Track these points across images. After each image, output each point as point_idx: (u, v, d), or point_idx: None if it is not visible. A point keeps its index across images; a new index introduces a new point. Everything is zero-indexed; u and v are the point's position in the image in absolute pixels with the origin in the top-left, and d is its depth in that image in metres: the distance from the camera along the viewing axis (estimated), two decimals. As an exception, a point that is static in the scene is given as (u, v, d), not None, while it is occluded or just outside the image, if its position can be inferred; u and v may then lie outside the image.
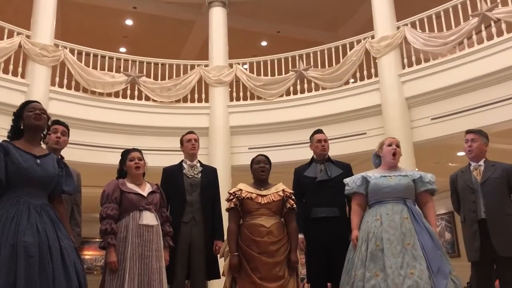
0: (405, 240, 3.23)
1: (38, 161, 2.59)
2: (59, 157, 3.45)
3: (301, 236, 3.89)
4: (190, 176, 4.13)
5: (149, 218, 3.47)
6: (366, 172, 3.73)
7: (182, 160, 4.28)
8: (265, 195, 3.60)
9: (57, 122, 3.61)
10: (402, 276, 3.08)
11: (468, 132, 4.10)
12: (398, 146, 3.67)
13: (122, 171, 3.69)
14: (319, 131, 4.27)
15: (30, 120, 2.66)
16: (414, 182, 3.53)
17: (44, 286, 2.32)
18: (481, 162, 3.98)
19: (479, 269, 3.83)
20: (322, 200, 3.94)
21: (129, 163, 3.61)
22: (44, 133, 2.79)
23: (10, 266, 2.28)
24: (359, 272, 3.30)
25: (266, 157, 3.82)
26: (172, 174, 4.15)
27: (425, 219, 3.44)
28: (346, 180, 3.76)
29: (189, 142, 4.26)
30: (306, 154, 8.07)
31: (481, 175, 3.91)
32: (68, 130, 3.64)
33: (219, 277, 4.02)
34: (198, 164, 4.25)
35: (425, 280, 3.04)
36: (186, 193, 4.05)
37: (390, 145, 3.67)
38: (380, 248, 3.26)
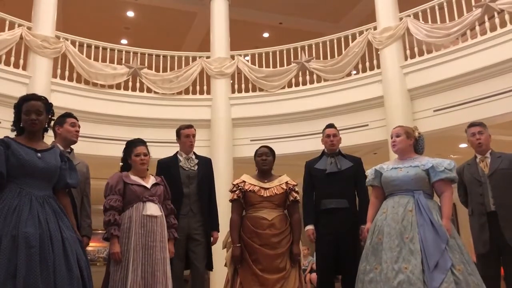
0: (404, 234, 3.17)
1: (39, 154, 2.62)
2: (69, 149, 3.51)
3: (311, 227, 3.92)
4: (186, 169, 4.11)
5: (152, 209, 3.48)
6: (382, 164, 3.66)
7: (177, 152, 4.24)
8: (267, 188, 3.61)
9: (71, 115, 3.67)
10: (395, 271, 3.05)
11: (473, 125, 4.04)
12: (398, 136, 3.55)
13: (126, 161, 3.69)
14: (330, 126, 4.27)
15: (25, 125, 2.69)
16: (427, 172, 3.39)
17: (44, 276, 2.33)
18: (487, 154, 3.93)
19: (487, 261, 3.79)
20: (332, 192, 3.95)
21: (135, 158, 3.62)
22: (51, 120, 2.82)
23: (10, 257, 2.30)
24: (362, 265, 3.31)
25: (269, 148, 3.83)
26: (168, 167, 4.11)
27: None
28: (367, 172, 3.72)
29: (187, 138, 4.19)
30: (307, 146, 8.10)
31: (488, 167, 3.86)
32: None
33: (211, 269, 4.03)
34: (194, 156, 4.23)
35: (417, 275, 2.98)
36: (183, 186, 4.03)
37: (391, 137, 3.63)
38: (381, 242, 3.24)
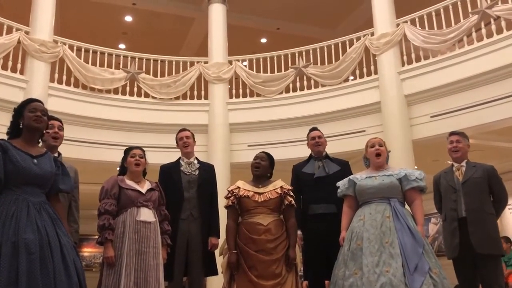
0: (384, 239, 3.29)
1: (35, 160, 2.60)
2: (57, 153, 3.46)
3: (298, 232, 3.89)
4: (187, 173, 4.13)
5: (146, 214, 3.47)
6: (355, 174, 3.79)
7: (179, 158, 4.27)
8: (262, 193, 3.58)
9: (51, 117, 3.57)
10: (377, 274, 3.15)
11: (452, 133, 4.30)
12: (381, 145, 3.71)
13: (124, 168, 3.69)
14: (314, 129, 4.29)
15: (30, 121, 2.66)
16: (400, 181, 3.56)
17: (45, 282, 2.32)
18: (463, 163, 4.14)
19: (459, 266, 3.96)
20: (320, 196, 3.93)
21: (130, 159, 3.62)
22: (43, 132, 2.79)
23: (11, 263, 2.28)
24: (341, 271, 3.37)
25: (267, 154, 3.80)
26: (169, 172, 4.15)
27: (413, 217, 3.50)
28: (338, 183, 3.80)
29: (181, 140, 4.25)
30: (305, 151, 8.03)
31: (463, 175, 4.06)
32: (62, 125, 3.61)
33: (216, 274, 4.02)
34: (196, 161, 4.25)
35: (399, 277, 3.09)
36: (184, 190, 4.04)
37: (372, 146, 3.73)
38: (361, 247, 3.33)
